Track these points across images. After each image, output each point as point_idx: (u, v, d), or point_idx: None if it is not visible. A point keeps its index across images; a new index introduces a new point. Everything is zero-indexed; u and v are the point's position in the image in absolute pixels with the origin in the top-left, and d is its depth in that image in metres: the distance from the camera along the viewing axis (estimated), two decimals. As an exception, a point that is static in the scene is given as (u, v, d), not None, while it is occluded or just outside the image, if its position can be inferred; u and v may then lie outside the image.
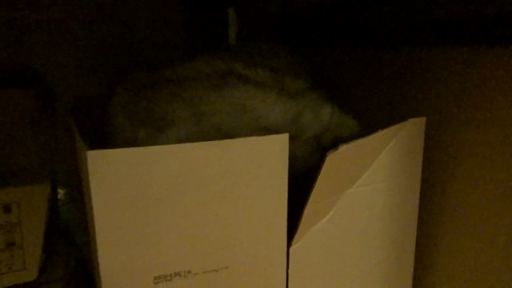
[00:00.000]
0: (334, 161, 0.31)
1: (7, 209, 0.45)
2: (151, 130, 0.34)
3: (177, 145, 0.29)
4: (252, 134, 0.35)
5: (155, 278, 0.30)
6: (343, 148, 0.31)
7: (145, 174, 0.28)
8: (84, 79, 0.70)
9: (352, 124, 0.37)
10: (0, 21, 0.64)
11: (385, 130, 0.34)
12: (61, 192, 0.69)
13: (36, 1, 0.66)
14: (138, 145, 0.33)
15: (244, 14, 0.75)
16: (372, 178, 0.35)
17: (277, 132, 0.35)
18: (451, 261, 0.40)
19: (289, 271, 0.34)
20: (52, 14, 0.67)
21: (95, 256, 0.31)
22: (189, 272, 0.31)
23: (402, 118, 0.36)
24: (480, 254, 0.37)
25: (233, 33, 0.76)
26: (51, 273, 0.49)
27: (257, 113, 0.35)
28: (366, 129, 0.41)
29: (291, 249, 0.34)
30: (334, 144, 0.36)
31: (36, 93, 0.57)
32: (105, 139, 0.37)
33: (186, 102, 0.34)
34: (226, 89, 0.35)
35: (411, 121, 0.36)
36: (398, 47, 0.44)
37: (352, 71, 0.50)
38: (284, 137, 0.31)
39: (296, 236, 0.33)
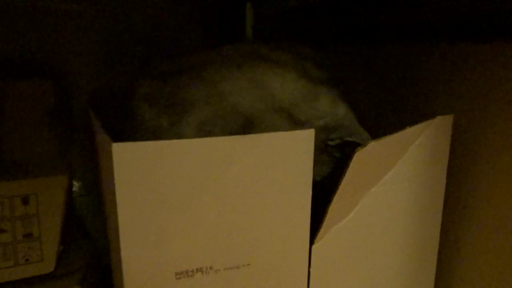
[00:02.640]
0: (361, 157, 0.30)
1: (25, 200, 0.45)
2: (174, 117, 0.33)
3: (202, 139, 0.28)
4: (267, 115, 0.34)
5: (176, 274, 0.30)
6: (372, 145, 0.30)
7: (169, 167, 0.27)
8: (101, 71, 0.69)
9: (365, 137, 0.36)
10: (16, 12, 0.64)
11: (413, 127, 0.33)
12: (76, 185, 0.69)
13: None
14: (162, 133, 0.33)
15: (260, 8, 0.74)
16: (397, 176, 0.35)
17: (290, 113, 0.34)
18: (474, 262, 0.39)
19: (311, 269, 0.34)
20: (70, 4, 0.66)
21: (116, 249, 0.30)
22: (211, 268, 0.30)
23: (428, 116, 0.35)
24: (505, 256, 0.36)
25: (249, 28, 0.75)
26: (68, 265, 0.49)
27: (273, 91, 0.34)
28: (389, 127, 0.40)
29: (313, 247, 0.33)
30: (340, 146, 0.35)
31: (52, 84, 0.56)
32: (126, 129, 0.37)
33: (207, 83, 0.34)
34: (247, 66, 0.34)
35: (439, 118, 0.35)
36: (420, 43, 0.43)
37: (371, 67, 0.49)
38: (310, 133, 0.30)
39: (319, 234, 0.33)
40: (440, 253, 0.39)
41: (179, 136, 0.33)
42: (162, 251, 0.29)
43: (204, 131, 0.33)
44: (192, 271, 0.30)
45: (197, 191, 0.29)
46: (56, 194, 0.46)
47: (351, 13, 0.57)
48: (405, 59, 0.44)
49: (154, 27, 0.72)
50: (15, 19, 0.64)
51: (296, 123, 0.34)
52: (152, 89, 0.35)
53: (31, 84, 0.54)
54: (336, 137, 0.35)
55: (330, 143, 0.35)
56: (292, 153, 0.30)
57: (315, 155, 0.31)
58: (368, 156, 0.30)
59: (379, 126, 0.47)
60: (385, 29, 0.51)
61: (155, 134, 0.34)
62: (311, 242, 0.33)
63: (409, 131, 0.33)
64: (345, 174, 0.30)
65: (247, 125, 0.34)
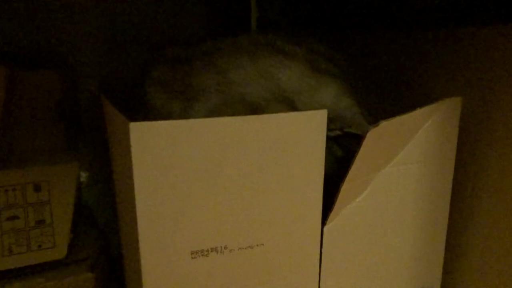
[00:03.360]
0: (373, 137, 0.30)
1: (37, 187, 0.45)
2: (185, 103, 0.34)
3: (217, 118, 0.28)
4: (272, 105, 0.34)
5: (192, 253, 0.30)
6: (384, 124, 0.30)
7: (185, 147, 0.28)
8: (107, 60, 0.70)
9: (366, 130, 0.36)
10: (24, 2, 0.64)
11: (423, 109, 0.34)
12: (83, 175, 0.70)
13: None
14: (173, 119, 0.33)
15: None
16: (407, 157, 0.35)
17: (293, 103, 0.35)
18: (483, 242, 0.39)
19: (323, 249, 0.34)
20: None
21: (132, 231, 0.31)
22: (225, 247, 0.31)
23: (437, 99, 0.36)
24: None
25: (254, 20, 0.75)
26: (78, 253, 0.49)
27: (280, 82, 0.35)
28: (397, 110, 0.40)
29: (325, 228, 0.34)
30: (340, 137, 0.35)
31: (61, 74, 0.57)
32: (138, 114, 0.37)
33: (218, 71, 0.34)
34: (258, 56, 0.34)
35: (448, 100, 0.35)
36: (423, 29, 0.43)
37: (379, 54, 0.49)
38: (323, 113, 0.31)
39: (331, 215, 0.33)
40: (448, 233, 0.40)
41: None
42: (178, 231, 0.29)
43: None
44: (207, 250, 0.30)
45: (212, 171, 0.29)
46: (67, 182, 0.47)
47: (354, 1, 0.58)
48: (408, 45, 0.44)
49: (158, 16, 0.72)
50: (21, 10, 0.64)
51: None
52: (165, 75, 0.36)
53: (39, 75, 0.54)
54: (336, 128, 0.35)
55: (330, 133, 0.35)
56: (305, 133, 0.31)
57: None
58: (380, 135, 0.31)
59: (384, 112, 0.47)
60: (388, 16, 0.52)
61: (167, 119, 0.34)
62: (323, 223, 0.33)
63: (419, 112, 0.33)
64: (357, 154, 0.30)
65: (252, 114, 0.34)
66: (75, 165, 0.47)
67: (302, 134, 0.30)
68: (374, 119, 0.45)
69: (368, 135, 0.30)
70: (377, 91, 0.48)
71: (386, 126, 0.31)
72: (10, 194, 0.44)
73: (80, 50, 0.67)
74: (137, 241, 0.29)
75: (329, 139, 0.34)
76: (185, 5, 0.74)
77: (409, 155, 0.35)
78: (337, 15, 0.61)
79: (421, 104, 0.40)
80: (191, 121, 0.28)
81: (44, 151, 0.53)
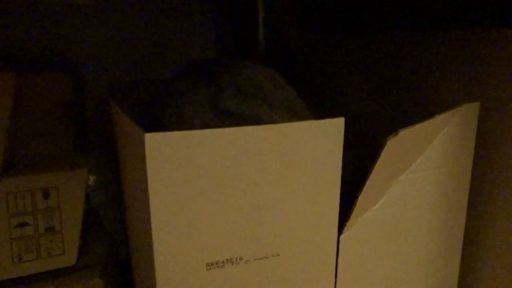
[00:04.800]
0: (393, 146, 0.30)
1: (46, 194, 0.45)
2: (209, 117, 0.34)
3: (233, 128, 0.28)
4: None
5: (207, 265, 0.30)
6: (403, 133, 0.29)
7: (201, 157, 0.27)
8: (114, 64, 0.69)
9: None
10: (32, 6, 0.64)
11: (441, 116, 0.33)
12: (90, 179, 0.69)
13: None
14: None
15: (270, 2, 0.73)
16: (424, 164, 0.34)
17: None
18: (499, 250, 0.39)
19: (339, 259, 0.33)
20: (86, 1, 0.66)
21: (145, 240, 0.30)
22: (241, 259, 0.30)
23: (455, 103, 0.35)
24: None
25: (261, 19, 0.75)
26: (88, 259, 0.49)
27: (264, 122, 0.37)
28: (422, 113, 0.40)
29: (341, 237, 0.33)
30: None
31: (68, 77, 0.56)
32: (156, 125, 0.37)
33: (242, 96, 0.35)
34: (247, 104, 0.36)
35: (465, 106, 0.35)
36: (435, 31, 0.42)
37: (387, 55, 0.48)
38: (340, 121, 0.30)
39: (348, 224, 0.33)
40: (465, 240, 0.39)
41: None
42: (193, 242, 0.29)
43: None
44: (223, 262, 0.30)
45: (228, 181, 0.28)
46: (76, 188, 0.46)
47: (360, 2, 0.57)
48: (419, 47, 0.44)
49: (163, 18, 0.71)
50: (29, 14, 0.63)
51: None
52: (188, 88, 0.36)
53: (47, 78, 0.54)
54: None
55: None
56: (321, 142, 0.30)
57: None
58: (399, 144, 0.30)
59: (394, 115, 0.46)
60: (397, 17, 0.51)
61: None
62: (339, 232, 0.33)
63: (437, 119, 0.33)
64: (376, 163, 0.30)
65: None
66: (84, 171, 0.47)
67: (318, 143, 0.30)
68: (385, 123, 0.44)
69: (387, 144, 0.29)
70: (387, 94, 0.48)
71: (405, 134, 0.30)
72: (20, 201, 0.44)
73: (88, 54, 0.67)
74: (151, 252, 0.28)
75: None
76: (193, 15, 0.73)
77: (426, 162, 0.34)
78: (342, 15, 0.61)
79: (435, 108, 0.40)
80: (206, 131, 0.27)
81: (53, 155, 0.53)
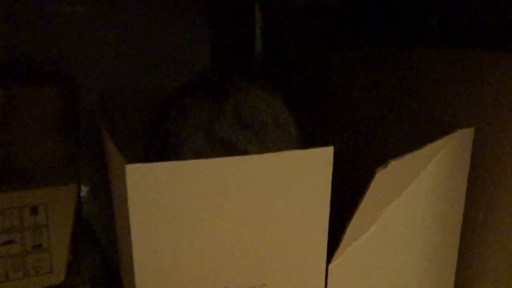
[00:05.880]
0: (382, 177, 0.29)
1: (34, 210, 0.44)
2: (201, 142, 0.34)
3: (216, 159, 0.27)
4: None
5: (191, 296, 0.29)
6: (393, 164, 0.29)
7: (184, 188, 0.27)
8: (107, 74, 0.69)
9: None
10: (25, 15, 0.63)
11: (433, 144, 0.32)
12: (83, 190, 0.69)
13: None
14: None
15: (269, 10, 0.73)
16: (416, 191, 0.34)
17: None
18: (493, 278, 0.38)
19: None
20: (74, 8, 0.66)
21: (130, 270, 0.30)
22: (224, 290, 0.30)
23: (449, 127, 0.34)
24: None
25: (258, 29, 0.74)
26: (77, 275, 0.48)
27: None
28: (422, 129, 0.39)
29: (330, 266, 0.32)
30: None
31: (61, 90, 0.56)
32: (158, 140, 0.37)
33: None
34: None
35: (460, 132, 0.34)
36: (435, 48, 0.41)
37: (381, 69, 0.47)
38: (329, 150, 0.29)
39: (336, 253, 0.32)
40: (458, 268, 0.38)
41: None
42: (177, 273, 0.28)
43: None
44: (207, 293, 0.29)
45: (212, 212, 0.28)
46: (65, 204, 0.46)
47: (360, 14, 0.56)
48: (419, 63, 0.43)
49: (161, 29, 0.71)
50: (20, 24, 0.63)
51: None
52: (203, 121, 0.37)
53: (39, 91, 0.53)
54: None
55: None
56: (310, 171, 0.29)
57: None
58: (388, 175, 0.29)
59: (391, 130, 0.46)
60: (396, 32, 0.50)
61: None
62: (328, 261, 0.32)
63: (430, 147, 0.32)
64: (365, 193, 0.29)
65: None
66: (73, 187, 0.46)
67: (307, 172, 0.29)
68: (384, 138, 0.43)
69: (377, 175, 0.28)
70: (386, 109, 0.47)
71: (395, 165, 0.29)
72: (6, 218, 0.43)
73: (82, 62, 0.66)
74: (134, 281, 0.28)
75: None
76: (189, 25, 0.72)
77: (418, 189, 0.33)
78: (341, 27, 0.60)
79: (428, 130, 0.39)
80: (189, 162, 0.26)
81: (44, 168, 0.52)
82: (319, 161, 0.29)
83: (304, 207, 0.30)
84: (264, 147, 0.36)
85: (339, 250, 0.32)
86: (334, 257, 0.32)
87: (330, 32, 0.63)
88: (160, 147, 0.38)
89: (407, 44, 0.48)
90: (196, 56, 0.73)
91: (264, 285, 0.31)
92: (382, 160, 0.29)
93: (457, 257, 0.38)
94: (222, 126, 0.36)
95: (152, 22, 0.70)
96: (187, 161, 0.26)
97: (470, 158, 0.36)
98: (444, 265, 0.37)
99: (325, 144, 0.29)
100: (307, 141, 0.41)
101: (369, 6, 0.55)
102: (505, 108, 0.35)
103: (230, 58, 0.75)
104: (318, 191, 0.30)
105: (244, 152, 0.35)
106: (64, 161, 0.56)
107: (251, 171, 0.28)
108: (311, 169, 0.29)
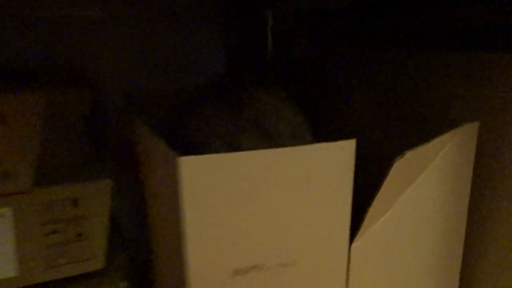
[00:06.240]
0: (399, 166, 0.33)
1: (75, 203, 0.48)
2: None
3: (257, 151, 0.31)
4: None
5: (234, 271, 0.33)
6: (409, 154, 0.33)
7: (230, 178, 0.31)
8: (128, 76, 0.73)
9: None
10: (48, 20, 0.67)
11: (443, 136, 0.36)
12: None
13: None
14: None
15: (279, 15, 0.76)
16: (426, 180, 0.38)
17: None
18: (496, 262, 0.42)
19: (350, 266, 0.37)
20: (99, 12, 0.69)
21: (175, 250, 0.34)
22: (263, 266, 0.34)
23: (454, 122, 0.38)
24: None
25: (269, 31, 0.78)
26: (113, 262, 0.53)
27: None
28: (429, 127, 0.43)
29: (352, 246, 0.36)
30: None
31: (88, 92, 0.60)
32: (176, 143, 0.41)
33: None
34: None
35: (465, 126, 0.38)
36: (439, 50, 0.45)
37: (390, 70, 0.51)
38: (352, 143, 0.33)
39: (358, 235, 0.36)
40: (465, 250, 0.42)
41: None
42: (224, 251, 0.32)
43: None
44: (247, 268, 0.33)
45: (253, 198, 0.32)
46: (102, 197, 0.50)
47: (367, 17, 0.60)
48: (425, 63, 0.47)
49: (176, 34, 0.75)
50: (46, 29, 0.67)
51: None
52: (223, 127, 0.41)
53: (70, 93, 0.57)
54: None
55: None
56: (334, 162, 0.33)
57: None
58: (404, 164, 0.34)
59: (395, 130, 0.50)
60: (403, 34, 0.54)
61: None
62: (350, 242, 0.36)
63: (440, 139, 0.36)
64: (384, 181, 0.33)
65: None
66: (109, 181, 0.50)
67: (332, 162, 0.33)
68: (392, 136, 0.47)
69: (394, 165, 0.32)
70: (393, 109, 0.51)
71: (410, 156, 0.33)
72: (51, 210, 0.47)
73: (105, 66, 0.70)
74: (185, 261, 0.32)
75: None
76: (205, 29, 0.76)
77: (428, 178, 0.38)
78: (349, 29, 0.64)
79: (441, 124, 0.43)
80: (236, 154, 0.30)
81: (76, 165, 0.56)
82: (342, 153, 0.33)
83: (329, 194, 0.34)
84: None
85: (360, 233, 0.36)
86: (356, 238, 0.36)
87: (336, 33, 0.67)
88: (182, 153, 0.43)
89: (413, 45, 0.52)
90: (210, 57, 0.77)
91: (295, 262, 0.35)
92: (396, 153, 0.34)
93: (463, 239, 0.42)
94: (242, 137, 0.40)
95: (165, 21, 0.74)
96: (234, 153, 0.30)
97: (475, 152, 0.40)
98: (452, 245, 0.41)
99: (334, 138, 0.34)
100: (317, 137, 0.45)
101: (373, 10, 0.59)
102: (505, 104, 0.39)
103: (244, 59, 0.79)
104: (342, 180, 0.34)
105: None
106: (93, 155, 0.60)
107: (282, 162, 0.32)
108: (335, 159, 0.33)
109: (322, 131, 0.53)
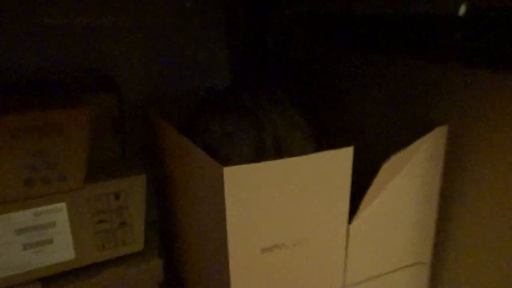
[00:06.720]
0: (387, 166, 0.43)
1: (117, 196, 0.58)
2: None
3: (276, 161, 0.41)
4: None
5: (261, 250, 0.43)
6: (393, 157, 0.43)
7: (259, 183, 0.40)
8: (148, 80, 0.81)
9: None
10: (72, 27, 0.74)
11: (421, 139, 0.46)
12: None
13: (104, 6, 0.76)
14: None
15: (279, 15, 0.84)
16: (406, 175, 0.48)
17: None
18: (461, 239, 0.54)
19: (348, 240, 0.48)
20: (111, 19, 0.77)
21: (221, 236, 0.44)
22: (283, 244, 0.44)
23: (428, 124, 0.48)
24: (486, 234, 0.50)
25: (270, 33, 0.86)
26: (147, 244, 0.63)
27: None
28: (392, 131, 0.53)
29: (350, 226, 0.47)
30: None
31: (116, 96, 0.68)
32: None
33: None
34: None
35: (438, 129, 0.48)
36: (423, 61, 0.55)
37: (378, 75, 0.61)
38: (349, 150, 0.43)
39: (354, 218, 0.47)
40: (438, 224, 0.54)
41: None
42: (253, 236, 0.42)
43: None
44: (272, 247, 0.44)
45: (276, 196, 0.42)
46: (139, 190, 0.59)
47: (356, 22, 0.69)
48: (410, 73, 0.57)
49: (179, 28, 0.82)
50: (67, 38, 0.74)
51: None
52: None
53: (102, 98, 0.65)
54: None
55: None
56: (336, 165, 0.43)
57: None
58: (390, 163, 0.44)
59: (381, 126, 0.60)
60: (392, 42, 0.63)
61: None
62: (349, 223, 0.47)
63: (418, 142, 0.46)
64: (376, 178, 0.43)
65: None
66: (143, 176, 0.60)
67: (331, 167, 0.43)
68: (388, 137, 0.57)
69: (383, 166, 0.43)
70: (391, 113, 0.61)
71: (395, 158, 0.43)
72: (98, 202, 0.56)
73: (125, 71, 0.78)
74: (226, 245, 0.42)
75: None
76: (210, 33, 0.84)
77: (408, 172, 0.48)
78: (353, 37, 0.72)
79: (418, 126, 0.53)
80: (261, 164, 0.40)
81: (109, 162, 0.65)
82: (344, 157, 0.43)
83: (332, 189, 0.44)
84: None
85: (356, 216, 0.47)
86: (353, 220, 0.47)
87: (330, 35, 0.76)
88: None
89: (400, 53, 0.62)
90: (216, 61, 0.86)
91: (306, 240, 0.45)
92: (383, 155, 0.44)
93: (436, 217, 0.53)
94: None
95: (176, 31, 0.82)
96: (261, 163, 0.40)
97: (445, 150, 0.50)
98: (427, 221, 0.53)
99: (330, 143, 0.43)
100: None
101: (362, 19, 0.68)
102: (471, 111, 0.49)
103: (246, 60, 0.87)
104: (343, 178, 0.44)
105: None
106: (121, 153, 0.69)
107: (298, 167, 0.42)
108: (337, 164, 0.43)
109: (323, 128, 0.63)
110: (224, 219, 0.41)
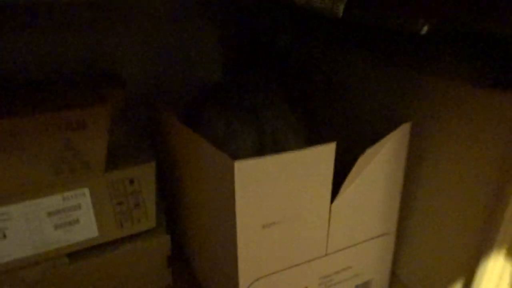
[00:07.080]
0: (362, 158, 0.54)
1: (131, 181, 0.67)
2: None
3: (276, 155, 0.51)
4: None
5: (262, 225, 0.54)
6: (368, 151, 0.54)
7: (263, 175, 0.51)
8: (151, 74, 0.88)
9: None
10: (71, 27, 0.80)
11: (388, 136, 0.57)
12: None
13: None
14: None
15: (271, 13, 0.93)
16: (377, 162, 0.59)
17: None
18: (420, 208, 0.66)
19: (330, 216, 0.59)
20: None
21: (228, 217, 0.54)
22: (279, 221, 0.55)
23: (395, 122, 0.60)
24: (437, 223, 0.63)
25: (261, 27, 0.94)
26: (157, 222, 0.72)
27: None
28: (368, 124, 0.64)
29: (332, 205, 0.58)
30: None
31: (123, 89, 0.76)
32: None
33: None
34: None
35: (403, 126, 0.59)
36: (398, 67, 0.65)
37: (359, 74, 0.71)
38: (332, 146, 0.54)
39: (335, 199, 0.58)
40: (401, 206, 0.66)
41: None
42: (256, 216, 0.53)
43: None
44: (269, 224, 0.54)
45: (275, 184, 0.52)
46: (150, 175, 0.68)
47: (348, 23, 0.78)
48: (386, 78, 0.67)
49: (176, 27, 0.90)
50: (71, 35, 0.80)
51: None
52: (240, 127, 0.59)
53: (112, 92, 0.73)
54: None
55: None
56: (321, 158, 0.54)
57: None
58: (364, 157, 0.55)
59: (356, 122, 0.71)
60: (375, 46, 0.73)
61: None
62: (331, 202, 0.58)
63: (387, 137, 0.57)
64: (354, 167, 0.54)
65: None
66: (153, 164, 0.69)
67: (319, 158, 0.54)
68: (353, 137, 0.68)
69: (359, 159, 0.53)
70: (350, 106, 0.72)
71: (369, 150, 0.54)
72: (116, 187, 0.65)
73: (128, 66, 0.85)
74: (234, 222, 0.52)
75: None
76: (203, 30, 0.91)
77: (378, 160, 0.59)
78: (337, 32, 0.82)
79: (382, 125, 0.64)
80: (263, 158, 0.50)
81: (120, 151, 0.73)
82: (325, 153, 0.54)
83: (317, 178, 0.55)
84: None
85: (336, 197, 0.58)
86: (334, 200, 0.58)
87: (319, 30, 0.85)
88: None
89: (380, 55, 0.72)
90: (208, 57, 0.94)
91: (297, 218, 0.56)
92: (359, 149, 0.55)
93: (400, 196, 0.65)
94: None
95: (172, 27, 0.89)
96: (263, 157, 0.50)
97: (408, 144, 0.62)
98: (392, 200, 0.65)
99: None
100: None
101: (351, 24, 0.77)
102: (429, 111, 0.60)
103: (237, 50, 0.96)
104: (325, 168, 0.55)
105: None
106: (128, 144, 0.77)
107: (291, 160, 0.52)
108: (317, 159, 0.54)
109: (312, 121, 0.73)
110: (233, 204, 0.51)
